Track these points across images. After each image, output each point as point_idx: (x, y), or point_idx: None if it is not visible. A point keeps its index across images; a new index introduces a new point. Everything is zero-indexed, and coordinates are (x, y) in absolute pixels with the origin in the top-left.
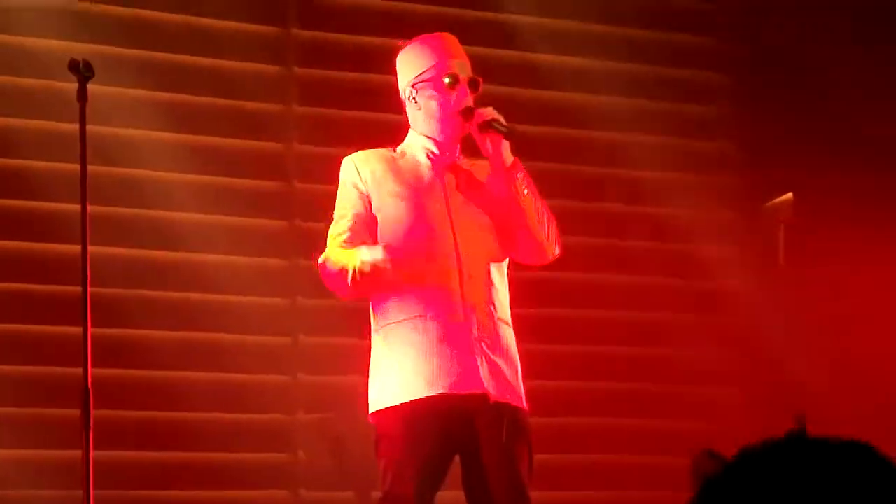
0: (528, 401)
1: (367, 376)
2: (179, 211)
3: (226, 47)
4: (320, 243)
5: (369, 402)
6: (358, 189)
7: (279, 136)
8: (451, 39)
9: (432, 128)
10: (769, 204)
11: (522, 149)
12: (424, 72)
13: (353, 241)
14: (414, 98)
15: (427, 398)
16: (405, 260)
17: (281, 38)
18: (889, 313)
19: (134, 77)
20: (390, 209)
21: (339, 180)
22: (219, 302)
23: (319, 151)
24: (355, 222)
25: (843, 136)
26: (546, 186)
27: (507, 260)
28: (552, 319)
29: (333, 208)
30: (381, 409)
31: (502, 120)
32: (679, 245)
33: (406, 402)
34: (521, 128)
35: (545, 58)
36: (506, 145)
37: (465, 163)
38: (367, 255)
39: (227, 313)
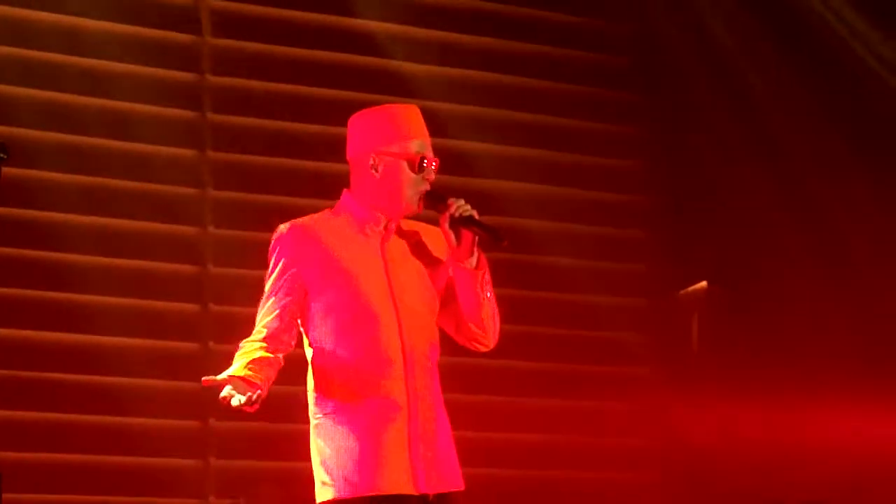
0: None
1: None
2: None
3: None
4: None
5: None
6: (291, 270)
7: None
8: (419, 114)
9: (385, 200)
10: (683, 292)
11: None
12: (394, 143)
13: (274, 336)
14: (375, 167)
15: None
16: (350, 356)
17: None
18: (794, 404)
19: None
20: (331, 290)
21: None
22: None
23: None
24: (282, 311)
25: (759, 230)
26: None
27: None
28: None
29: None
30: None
31: (476, 216)
32: (592, 332)
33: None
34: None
35: (469, 145)
36: (476, 243)
37: (405, 224)
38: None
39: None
